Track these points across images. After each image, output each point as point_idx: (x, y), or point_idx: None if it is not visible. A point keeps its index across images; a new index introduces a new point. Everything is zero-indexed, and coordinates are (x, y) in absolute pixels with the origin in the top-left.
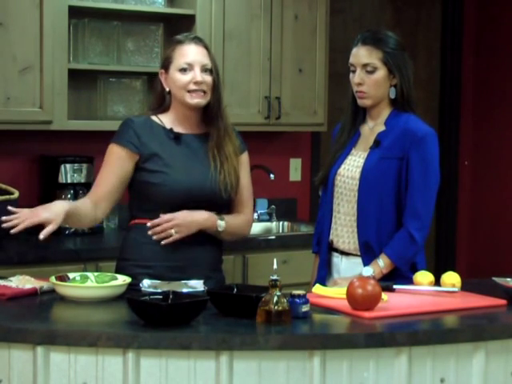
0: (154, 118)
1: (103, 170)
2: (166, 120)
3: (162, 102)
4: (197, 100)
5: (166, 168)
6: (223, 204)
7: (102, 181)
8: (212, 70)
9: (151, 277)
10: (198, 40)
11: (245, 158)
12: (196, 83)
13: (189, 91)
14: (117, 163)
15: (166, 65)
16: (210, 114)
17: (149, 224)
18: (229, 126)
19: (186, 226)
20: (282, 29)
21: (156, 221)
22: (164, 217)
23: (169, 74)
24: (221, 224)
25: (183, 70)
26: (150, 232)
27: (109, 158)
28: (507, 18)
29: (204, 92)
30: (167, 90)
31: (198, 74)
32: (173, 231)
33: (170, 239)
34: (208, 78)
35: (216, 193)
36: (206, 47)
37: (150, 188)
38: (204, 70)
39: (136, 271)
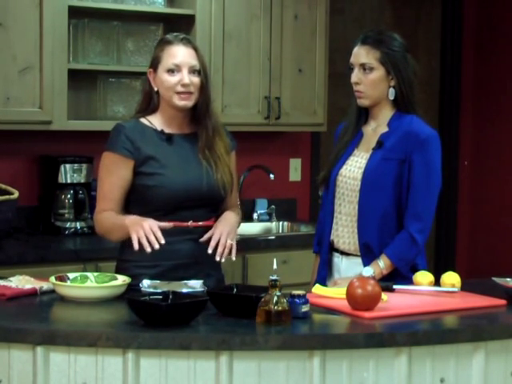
0: (143, 120)
1: (106, 181)
2: (156, 121)
3: (151, 101)
4: (184, 102)
5: (163, 170)
6: (219, 202)
7: (108, 193)
8: (200, 71)
9: (154, 277)
10: (186, 41)
11: (234, 155)
12: (183, 85)
13: (177, 93)
14: (117, 172)
15: (154, 64)
16: (198, 114)
17: (209, 251)
18: (218, 125)
19: (233, 231)
20: (281, 29)
21: (212, 244)
22: (215, 237)
23: (157, 73)
24: None
25: (171, 71)
26: (218, 258)
27: (108, 168)
28: (507, 18)
29: (191, 93)
30: (155, 89)
31: (185, 76)
32: (229, 241)
33: (233, 251)
34: (196, 80)
35: (215, 191)
36: (195, 48)
37: (148, 191)
38: (192, 71)
39: (138, 272)
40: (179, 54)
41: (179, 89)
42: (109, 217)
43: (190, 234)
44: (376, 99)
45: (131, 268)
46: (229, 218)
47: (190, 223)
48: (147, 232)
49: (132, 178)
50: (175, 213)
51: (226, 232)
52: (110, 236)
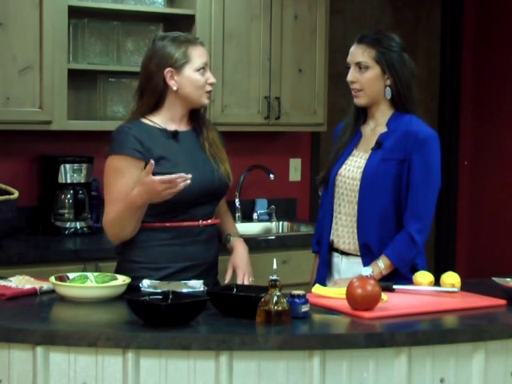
0: (144, 120)
1: (117, 184)
2: (157, 120)
3: (159, 101)
4: (208, 100)
5: (175, 169)
6: (224, 194)
7: (119, 195)
8: None
9: (162, 279)
10: (201, 40)
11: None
12: (211, 84)
13: (206, 92)
14: (128, 174)
15: (178, 64)
16: (199, 111)
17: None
18: (207, 120)
19: (250, 266)
20: (281, 29)
21: (239, 283)
22: (240, 280)
23: (182, 73)
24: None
25: (202, 71)
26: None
27: (118, 171)
28: (507, 18)
29: None
30: (175, 88)
31: (211, 76)
32: (251, 279)
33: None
34: None
35: (223, 183)
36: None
37: None
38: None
39: (146, 274)
40: (204, 55)
41: (208, 88)
42: (116, 211)
43: (199, 236)
44: (372, 98)
45: (138, 269)
46: (241, 251)
47: (200, 222)
48: (160, 186)
49: None
50: (186, 211)
51: (247, 272)
52: (124, 229)
